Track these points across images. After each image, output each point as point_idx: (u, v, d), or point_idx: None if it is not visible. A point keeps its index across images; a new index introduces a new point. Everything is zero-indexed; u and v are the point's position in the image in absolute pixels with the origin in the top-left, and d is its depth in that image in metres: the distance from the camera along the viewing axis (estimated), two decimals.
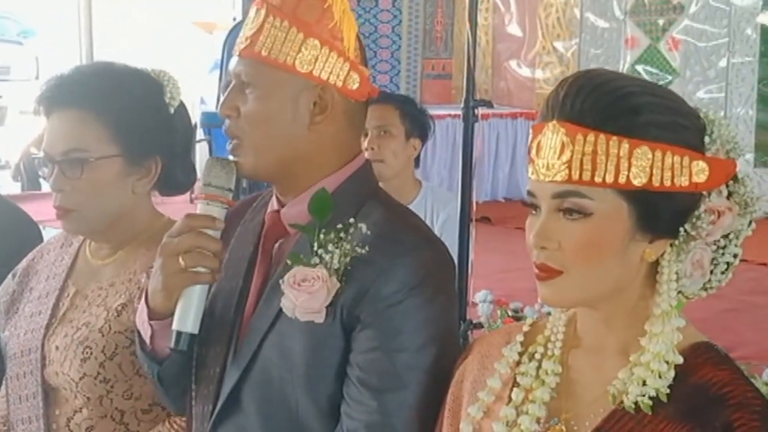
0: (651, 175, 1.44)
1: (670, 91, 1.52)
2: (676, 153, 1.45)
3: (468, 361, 1.71)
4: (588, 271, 1.48)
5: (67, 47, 10.29)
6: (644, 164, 1.43)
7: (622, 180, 1.44)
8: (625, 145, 1.43)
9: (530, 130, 1.53)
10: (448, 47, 12.16)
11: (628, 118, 1.44)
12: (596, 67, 10.59)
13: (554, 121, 1.47)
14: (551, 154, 1.46)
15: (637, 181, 1.44)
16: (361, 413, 1.73)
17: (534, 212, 1.50)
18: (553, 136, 1.47)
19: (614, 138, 1.43)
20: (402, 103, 4.28)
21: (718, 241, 1.51)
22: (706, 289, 1.54)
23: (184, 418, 2.05)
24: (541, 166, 1.48)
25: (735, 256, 1.53)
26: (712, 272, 1.53)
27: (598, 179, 1.44)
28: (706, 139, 1.48)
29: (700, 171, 1.46)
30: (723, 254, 1.52)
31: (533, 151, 1.50)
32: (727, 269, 1.53)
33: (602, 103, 1.45)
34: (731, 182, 1.51)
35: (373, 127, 4.11)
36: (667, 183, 1.44)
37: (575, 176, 1.44)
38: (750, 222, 1.52)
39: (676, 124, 1.46)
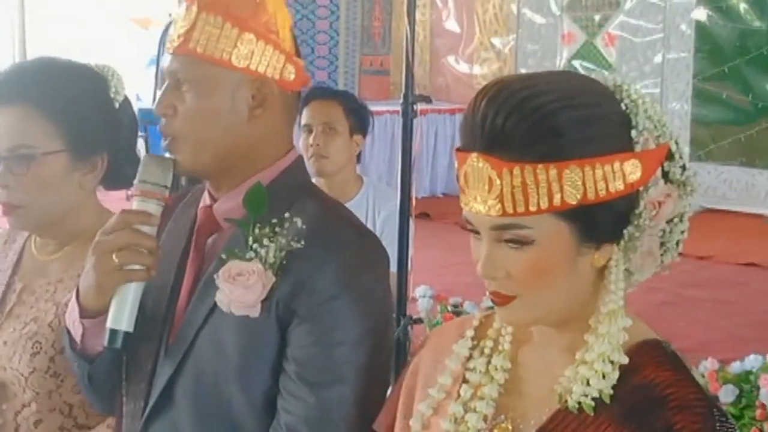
0: (585, 190, 1.40)
1: (590, 90, 1.47)
2: (605, 162, 1.41)
3: (422, 353, 1.70)
4: (541, 293, 1.46)
5: None
6: (576, 182, 1.40)
7: (557, 202, 1.40)
8: (553, 170, 1.39)
9: (454, 155, 1.50)
10: (386, 43, 12.18)
11: (550, 143, 1.39)
12: (532, 63, 10.73)
13: (476, 154, 1.43)
14: (481, 186, 1.43)
15: (572, 200, 1.40)
16: (299, 408, 1.73)
17: (477, 236, 1.48)
18: (478, 168, 1.43)
19: (540, 166, 1.39)
20: (345, 100, 4.30)
21: (664, 227, 1.49)
22: (658, 269, 1.53)
23: None
24: (473, 198, 1.44)
25: (683, 232, 1.52)
26: (662, 255, 1.52)
27: (532, 208, 1.40)
28: (633, 132, 1.46)
29: (633, 170, 1.43)
30: (671, 237, 1.51)
31: (462, 180, 1.47)
32: (677, 245, 1.52)
33: (521, 130, 1.40)
34: (666, 162, 1.49)
35: (318, 124, 4.14)
36: (603, 193, 1.41)
37: (509, 209, 1.41)
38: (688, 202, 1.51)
39: (600, 134, 1.42)
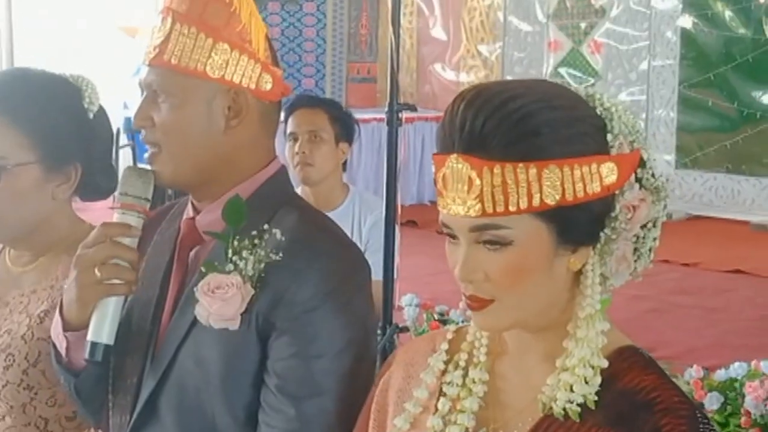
0: (563, 190, 1.42)
1: (566, 95, 1.49)
2: (583, 163, 1.43)
3: (392, 369, 1.68)
4: (518, 295, 1.46)
5: None
6: (555, 182, 1.41)
7: (535, 203, 1.41)
8: (533, 170, 1.41)
9: (432, 160, 1.50)
10: (373, 51, 12.17)
11: (530, 143, 1.41)
12: (518, 70, 10.74)
13: (455, 155, 1.44)
14: (460, 187, 1.43)
15: (551, 200, 1.42)
16: (280, 421, 1.72)
17: (453, 240, 1.48)
18: (457, 169, 1.44)
19: (520, 165, 1.40)
20: (331, 108, 4.31)
21: (638, 232, 1.50)
22: (631, 276, 1.54)
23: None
24: (451, 200, 1.45)
25: (655, 239, 1.53)
26: (636, 261, 1.52)
27: (512, 208, 1.41)
28: (609, 136, 1.47)
29: (609, 173, 1.45)
30: (644, 243, 1.52)
31: (440, 184, 1.47)
32: (650, 252, 1.53)
33: (501, 130, 1.41)
34: (639, 169, 1.50)
35: (303, 132, 4.15)
36: (580, 194, 1.43)
37: (489, 209, 1.41)
38: (664, 207, 1.52)
39: (577, 135, 1.44)
